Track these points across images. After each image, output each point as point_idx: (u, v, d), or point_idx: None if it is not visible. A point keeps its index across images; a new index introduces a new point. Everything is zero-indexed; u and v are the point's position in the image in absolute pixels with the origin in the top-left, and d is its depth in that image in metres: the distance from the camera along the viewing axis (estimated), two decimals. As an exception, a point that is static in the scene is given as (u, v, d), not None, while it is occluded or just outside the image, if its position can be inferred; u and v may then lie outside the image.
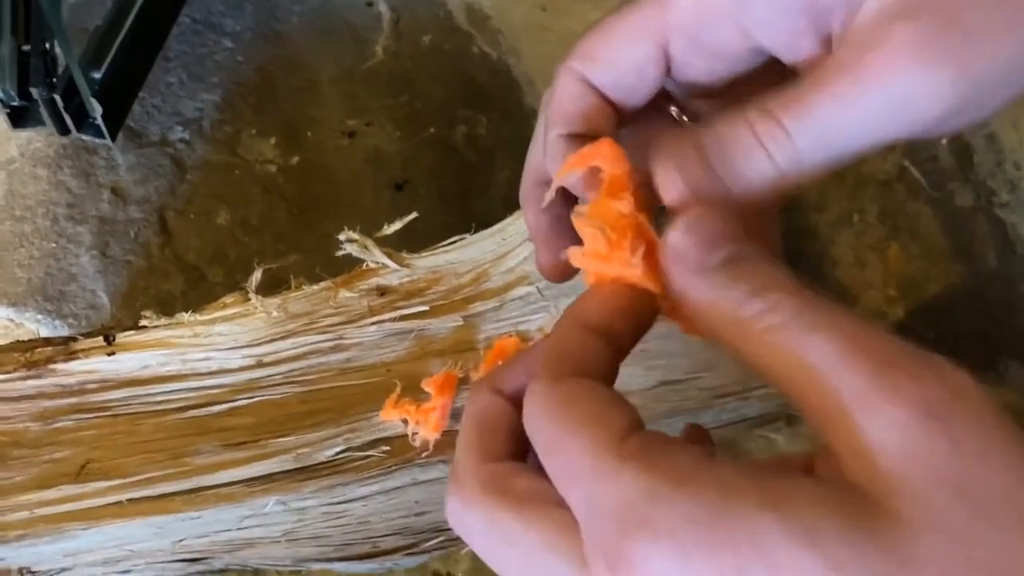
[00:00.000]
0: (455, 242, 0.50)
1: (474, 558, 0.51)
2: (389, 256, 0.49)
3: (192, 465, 0.45)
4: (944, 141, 0.61)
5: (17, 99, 0.54)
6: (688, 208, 0.29)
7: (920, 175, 0.60)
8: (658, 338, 0.44)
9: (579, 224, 0.31)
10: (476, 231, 0.51)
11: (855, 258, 0.59)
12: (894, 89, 0.29)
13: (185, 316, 0.48)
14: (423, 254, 0.50)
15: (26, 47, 0.53)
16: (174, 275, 0.58)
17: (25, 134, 0.59)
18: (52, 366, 0.47)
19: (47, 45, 0.54)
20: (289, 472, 0.46)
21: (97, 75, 0.54)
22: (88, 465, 0.45)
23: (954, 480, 0.22)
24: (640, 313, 0.30)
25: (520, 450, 0.30)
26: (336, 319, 0.48)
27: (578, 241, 0.36)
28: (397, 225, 0.49)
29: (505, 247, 0.50)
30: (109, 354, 0.47)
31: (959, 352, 0.56)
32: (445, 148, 0.62)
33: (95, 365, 0.47)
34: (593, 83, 0.35)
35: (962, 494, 0.22)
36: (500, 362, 0.45)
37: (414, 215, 0.49)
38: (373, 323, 0.49)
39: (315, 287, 0.49)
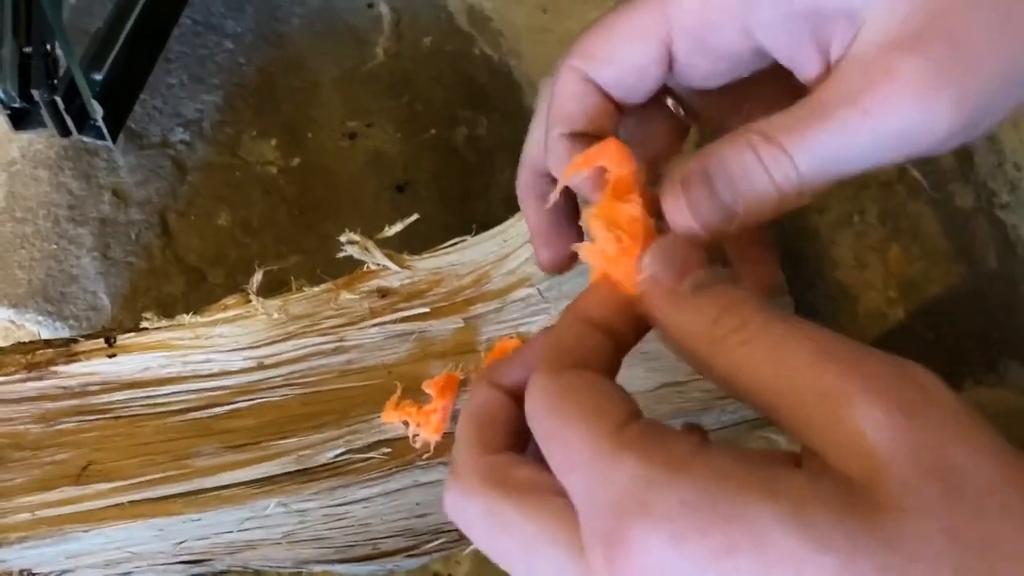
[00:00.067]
0: (456, 244, 0.50)
1: (475, 560, 0.51)
2: (390, 258, 0.49)
3: (193, 467, 0.45)
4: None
5: (18, 101, 0.54)
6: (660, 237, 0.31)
7: (921, 176, 0.60)
8: (659, 339, 0.44)
9: (592, 225, 0.32)
10: (477, 232, 0.51)
11: (856, 259, 0.59)
12: (897, 120, 0.31)
13: (186, 318, 0.48)
14: (424, 256, 0.50)
15: (27, 49, 0.54)
16: (175, 276, 0.58)
17: (26, 136, 0.59)
18: (53, 368, 0.47)
19: (48, 47, 0.54)
20: (290, 474, 0.46)
21: (98, 77, 0.54)
22: (89, 467, 0.45)
23: (933, 466, 0.23)
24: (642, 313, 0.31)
25: (518, 443, 0.31)
26: (337, 321, 0.48)
27: (578, 235, 0.36)
28: (398, 227, 0.49)
29: (506, 249, 0.50)
30: (110, 356, 0.47)
31: (959, 353, 0.57)
32: (446, 149, 0.62)
33: (96, 367, 0.47)
34: (595, 81, 0.35)
35: (941, 478, 0.23)
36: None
37: (415, 217, 0.49)
38: (374, 325, 0.49)
39: (316, 289, 0.49)
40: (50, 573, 0.44)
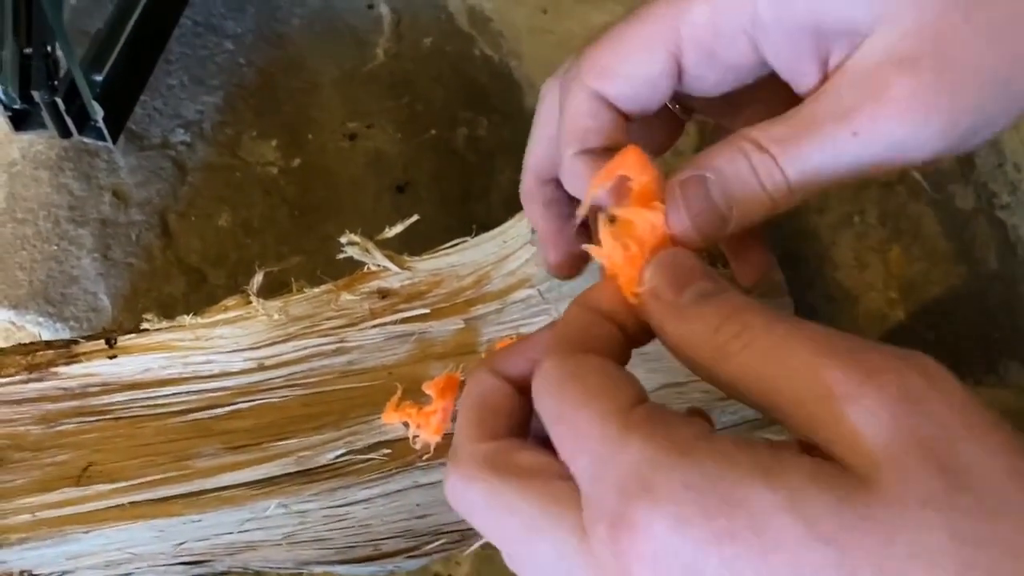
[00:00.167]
0: (456, 245, 0.50)
1: (475, 560, 0.51)
2: (390, 259, 0.49)
3: (193, 468, 0.45)
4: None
5: (19, 102, 0.54)
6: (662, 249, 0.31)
7: (921, 177, 0.60)
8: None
9: (604, 234, 0.32)
10: (477, 233, 0.51)
11: (856, 260, 0.59)
12: (885, 138, 0.31)
13: (186, 319, 0.48)
14: (424, 257, 0.50)
15: (28, 50, 0.54)
16: (175, 277, 0.58)
17: (27, 137, 0.59)
18: (53, 369, 0.47)
19: (49, 48, 0.54)
20: (290, 475, 0.46)
21: (98, 78, 0.54)
22: (90, 468, 0.45)
23: (936, 460, 0.23)
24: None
25: (519, 431, 0.31)
26: (337, 322, 0.48)
27: (587, 237, 0.36)
28: (398, 228, 0.49)
29: (506, 250, 0.50)
30: (111, 357, 0.47)
31: (960, 354, 0.57)
32: (446, 150, 0.62)
33: (97, 368, 0.47)
34: (607, 97, 0.35)
35: (945, 473, 0.23)
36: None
37: (415, 218, 0.49)
38: (374, 326, 0.49)
39: (316, 290, 0.49)
40: (51, 574, 0.44)
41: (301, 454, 0.46)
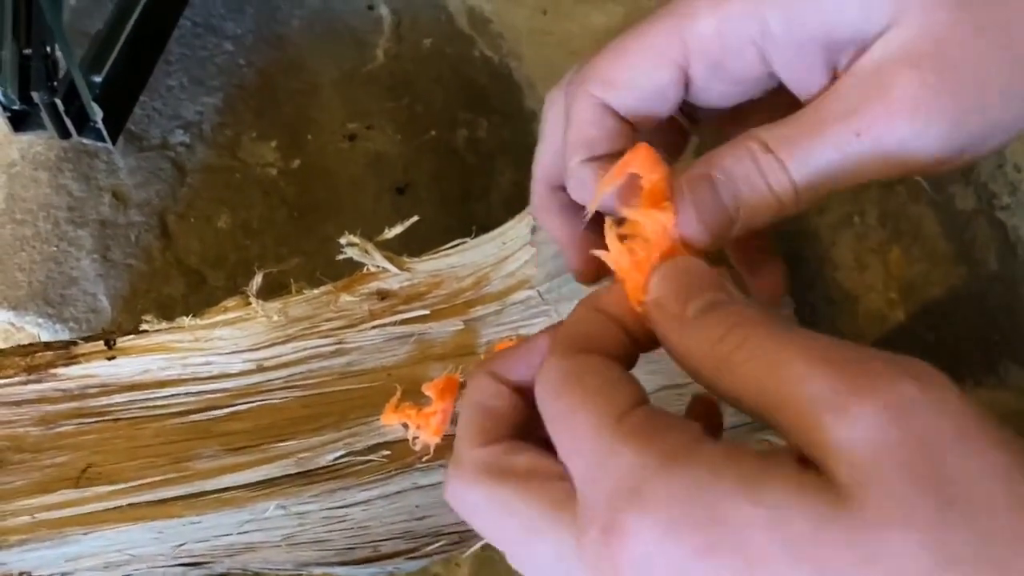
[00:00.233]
0: (456, 246, 0.50)
1: (475, 562, 0.51)
2: (390, 260, 0.49)
3: (193, 469, 0.45)
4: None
5: (18, 103, 0.54)
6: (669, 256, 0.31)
7: (921, 178, 0.60)
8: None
9: (611, 238, 0.32)
10: (477, 234, 0.51)
11: (856, 261, 0.59)
12: (889, 140, 0.31)
13: (186, 320, 0.48)
14: (424, 258, 0.50)
15: (27, 51, 0.54)
16: (175, 279, 0.58)
17: (26, 138, 0.59)
18: (53, 370, 0.47)
19: (48, 49, 0.54)
20: (290, 476, 0.46)
21: (98, 79, 0.54)
22: (89, 469, 0.45)
23: (925, 476, 0.23)
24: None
25: (519, 433, 0.31)
26: (337, 323, 0.48)
27: (604, 242, 0.36)
28: (398, 229, 0.49)
29: (506, 251, 0.50)
30: (110, 358, 0.47)
31: (960, 355, 0.57)
32: (446, 151, 0.62)
33: (96, 369, 0.47)
34: (613, 107, 0.35)
35: (933, 489, 0.23)
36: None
37: (415, 219, 0.49)
38: (374, 327, 0.48)
39: (316, 291, 0.49)
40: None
41: (300, 455, 0.46)
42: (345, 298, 0.49)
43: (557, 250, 0.48)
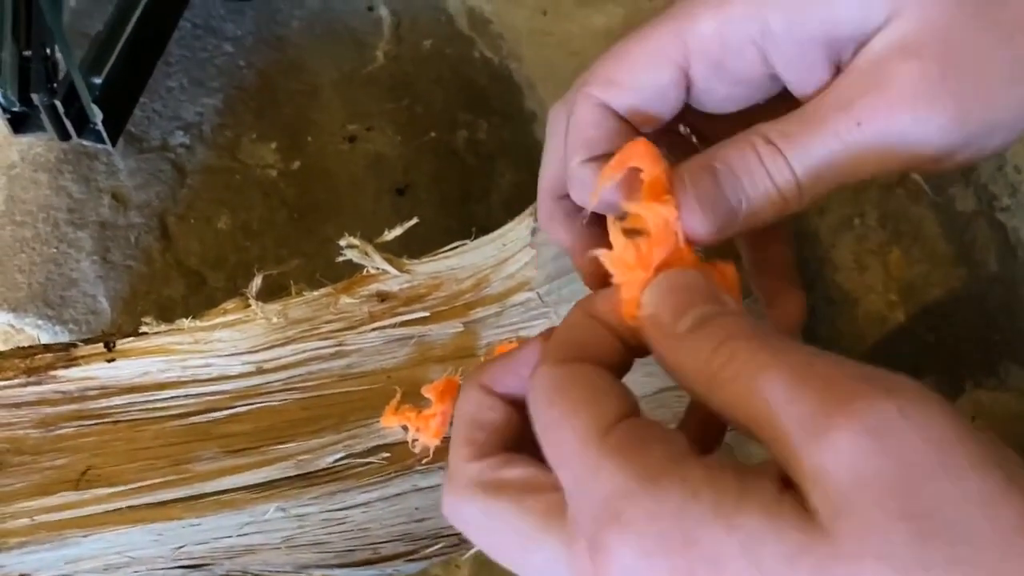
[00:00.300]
0: (455, 248, 0.50)
1: (474, 564, 0.51)
2: (390, 262, 0.49)
3: (192, 472, 0.45)
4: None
5: (18, 105, 0.54)
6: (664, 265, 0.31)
7: (921, 180, 0.60)
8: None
9: (614, 231, 0.32)
10: (477, 236, 0.51)
11: (856, 262, 0.59)
12: (889, 130, 0.31)
13: (185, 322, 0.48)
14: (423, 260, 0.50)
15: (27, 53, 0.53)
16: (175, 280, 0.58)
17: (26, 139, 0.59)
18: (52, 373, 0.47)
19: (48, 51, 0.54)
20: (290, 479, 0.46)
21: (98, 80, 0.54)
22: (88, 472, 0.45)
23: (900, 503, 0.22)
24: None
25: (512, 444, 0.31)
26: (336, 325, 0.48)
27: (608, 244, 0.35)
28: (398, 231, 0.49)
29: (506, 252, 0.50)
30: (109, 360, 0.47)
31: (960, 356, 0.57)
32: (446, 152, 0.62)
33: (95, 372, 0.47)
34: (613, 108, 0.35)
35: (908, 516, 0.22)
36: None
37: (415, 221, 0.49)
38: (373, 329, 0.48)
39: (315, 293, 0.49)
40: (49, 578, 0.44)
41: (300, 458, 0.46)
42: (345, 300, 0.49)
43: (557, 252, 0.48)
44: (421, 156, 0.62)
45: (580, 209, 0.38)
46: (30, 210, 0.59)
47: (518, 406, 0.31)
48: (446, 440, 0.46)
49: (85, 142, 0.56)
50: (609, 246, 0.32)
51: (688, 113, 0.37)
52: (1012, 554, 0.22)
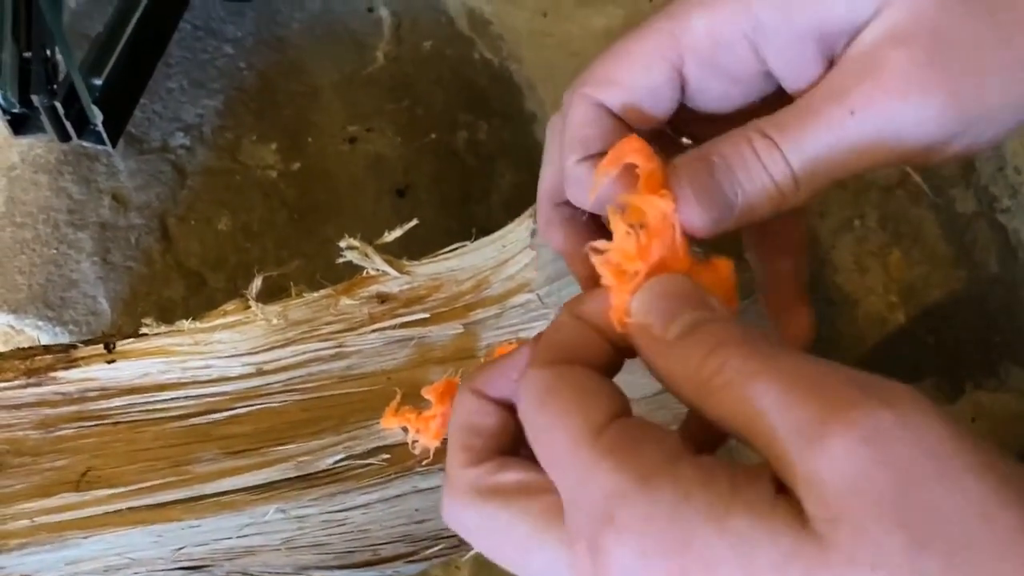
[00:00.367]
0: (456, 249, 0.50)
1: (474, 565, 0.51)
2: (390, 263, 0.49)
3: (192, 473, 0.45)
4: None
5: (18, 106, 0.54)
6: (651, 273, 0.31)
7: (922, 181, 0.60)
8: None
9: (614, 220, 0.32)
10: (477, 237, 0.51)
11: (856, 264, 0.59)
12: (882, 117, 0.31)
13: (185, 324, 0.48)
14: (424, 261, 0.50)
15: (27, 54, 0.53)
16: (175, 281, 0.58)
17: (26, 141, 0.59)
18: (52, 374, 0.47)
19: (48, 52, 0.54)
20: (290, 480, 0.46)
21: (98, 82, 0.54)
22: (89, 473, 0.45)
23: (897, 510, 0.22)
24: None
25: (508, 447, 0.31)
26: (336, 326, 0.48)
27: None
28: (398, 232, 0.49)
29: (506, 254, 0.50)
30: (109, 362, 0.47)
31: (960, 357, 0.57)
32: (446, 153, 0.62)
33: (95, 373, 0.47)
34: (608, 107, 0.35)
35: (903, 522, 0.22)
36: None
37: (415, 222, 0.49)
38: (373, 330, 0.49)
39: (315, 294, 0.49)
40: (49, 579, 0.44)
41: (300, 459, 0.46)
42: (345, 301, 0.49)
43: (556, 252, 0.48)
44: (421, 157, 0.62)
45: (577, 215, 0.38)
46: (30, 211, 0.59)
47: (512, 410, 0.31)
48: (446, 442, 0.46)
49: (85, 143, 0.57)
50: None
51: (684, 115, 0.37)
52: (1009, 561, 0.22)
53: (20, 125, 0.56)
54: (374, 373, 0.48)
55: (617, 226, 0.32)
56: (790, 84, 0.34)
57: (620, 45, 0.35)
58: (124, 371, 0.47)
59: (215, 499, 0.45)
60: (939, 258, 0.59)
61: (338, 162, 0.62)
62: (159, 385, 0.47)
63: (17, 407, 0.46)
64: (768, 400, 0.25)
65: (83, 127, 0.55)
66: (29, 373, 0.47)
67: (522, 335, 0.49)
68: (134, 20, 0.56)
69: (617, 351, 0.31)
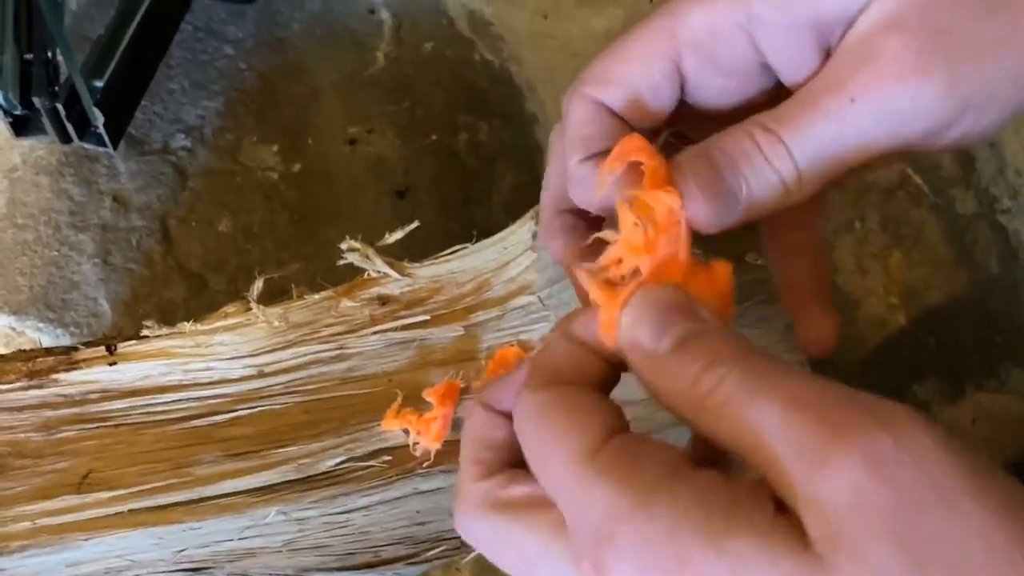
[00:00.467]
0: (456, 251, 0.50)
1: (475, 567, 0.51)
2: (390, 265, 0.49)
3: (193, 475, 0.45)
4: (946, 148, 0.61)
5: (19, 108, 0.54)
6: (642, 285, 0.30)
7: (922, 182, 0.60)
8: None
9: (623, 211, 0.31)
10: (478, 238, 0.51)
11: (857, 265, 0.59)
12: (882, 103, 0.31)
13: (186, 326, 0.48)
14: (424, 263, 0.50)
15: (28, 56, 0.53)
16: (176, 283, 0.58)
17: (27, 142, 0.59)
18: (54, 376, 0.47)
19: (49, 54, 0.54)
20: (291, 482, 0.46)
21: (99, 84, 0.54)
22: (90, 475, 0.45)
23: (897, 533, 0.22)
24: None
25: (517, 459, 0.31)
26: (337, 329, 0.48)
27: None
28: (399, 234, 0.49)
29: (506, 256, 0.50)
30: (111, 364, 0.47)
31: (961, 359, 0.57)
32: (447, 155, 0.62)
33: (97, 375, 0.47)
34: (608, 105, 0.35)
35: (904, 548, 0.22)
36: (497, 374, 0.45)
37: (415, 224, 0.49)
38: (374, 332, 0.48)
39: (316, 296, 0.49)
40: (51, 581, 0.44)
41: (301, 461, 0.46)
42: (346, 303, 0.49)
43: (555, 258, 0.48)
44: (422, 158, 0.62)
45: (577, 224, 0.38)
46: (31, 213, 0.59)
47: None
48: (447, 444, 0.46)
49: (86, 145, 0.57)
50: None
51: (685, 114, 0.37)
52: None
53: (21, 127, 0.56)
54: (375, 375, 0.48)
55: (625, 217, 0.31)
56: (788, 77, 0.34)
57: (618, 44, 0.36)
58: (125, 373, 0.47)
59: (216, 501, 0.45)
60: (940, 260, 0.59)
61: (339, 164, 0.62)
62: (160, 387, 0.47)
63: (18, 409, 0.47)
64: (767, 421, 0.25)
65: (84, 129, 0.56)
66: (30, 375, 0.47)
67: (523, 337, 0.49)
68: (135, 22, 0.56)
69: (611, 367, 0.31)
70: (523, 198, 0.59)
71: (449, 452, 0.46)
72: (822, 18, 0.32)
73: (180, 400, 0.47)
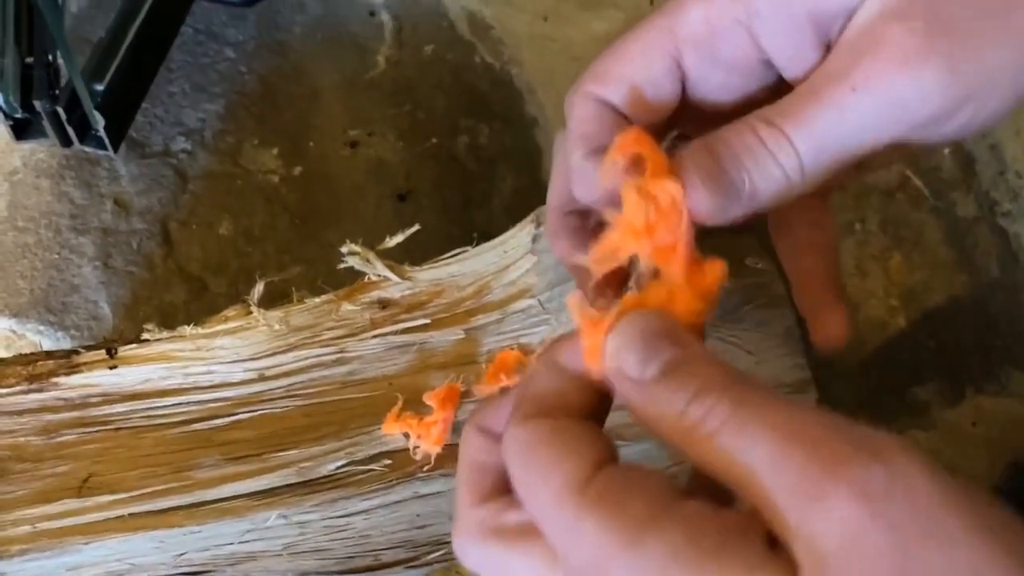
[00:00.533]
0: (457, 254, 0.50)
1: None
2: (391, 269, 0.49)
3: (194, 479, 0.45)
4: (947, 151, 0.61)
5: (20, 111, 0.54)
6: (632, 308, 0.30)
7: (922, 185, 0.60)
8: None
9: (627, 191, 0.31)
10: (479, 241, 0.51)
11: (857, 267, 0.59)
12: (884, 92, 0.31)
13: (187, 329, 0.48)
14: (425, 267, 0.50)
15: (29, 59, 0.54)
16: (176, 286, 0.58)
17: (28, 146, 0.59)
18: (54, 379, 0.47)
19: (50, 57, 0.54)
20: (291, 486, 0.46)
21: (100, 87, 0.54)
22: (90, 479, 0.45)
23: (890, 566, 0.22)
24: None
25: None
26: (338, 332, 0.48)
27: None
28: (399, 237, 0.49)
29: (507, 259, 0.50)
30: (111, 367, 0.47)
31: (961, 362, 0.57)
32: (447, 158, 0.62)
33: (97, 379, 0.47)
34: (609, 101, 0.35)
35: None
36: (498, 377, 0.45)
37: (416, 227, 0.49)
38: (375, 336, 0.49)
39: (317, 300, 0.49)
40: (51, 585, 0.44)
41: (302, 465, 0.46)
42: (346, 307, 0.49)
43: (559, 259, 0.48)
44: (422, 162, 0.62)
45: (582, 226, 0.38)
46: (32, 216, 0.59)
47: None
48: (447, 447, 0.46)
49: (87, 148, 0.57)
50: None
51: (686, 111, 0.37)
52: None
53: (22, 130, 0.56)
54: (375, 379, 0.48)
55: (628, 198, 0.31)
56: (789, 71, 0.34)
57: (619, 43, 0.36)
58: (126, 377, 0.47)
59: (217, 505, 0.45)
60: (940, 262, 0.59)
61: (339, 167, 0.62)
62: (161, 391, 0.47)
63: (19, 413, 0.47)
64: (759, 456, 0.24)
65: (85, 132, 0.56)
66: (31, 379, 0.47)
67: (523, 341, 0.49)
68: (136, 25, 0.56)
69: (600, 395, 0.30)
70: (523, 201, 0.59)
71: (449, 456, 0.46)
72: (821, 12, 0.33)
73: (180, 404, 0.47)
